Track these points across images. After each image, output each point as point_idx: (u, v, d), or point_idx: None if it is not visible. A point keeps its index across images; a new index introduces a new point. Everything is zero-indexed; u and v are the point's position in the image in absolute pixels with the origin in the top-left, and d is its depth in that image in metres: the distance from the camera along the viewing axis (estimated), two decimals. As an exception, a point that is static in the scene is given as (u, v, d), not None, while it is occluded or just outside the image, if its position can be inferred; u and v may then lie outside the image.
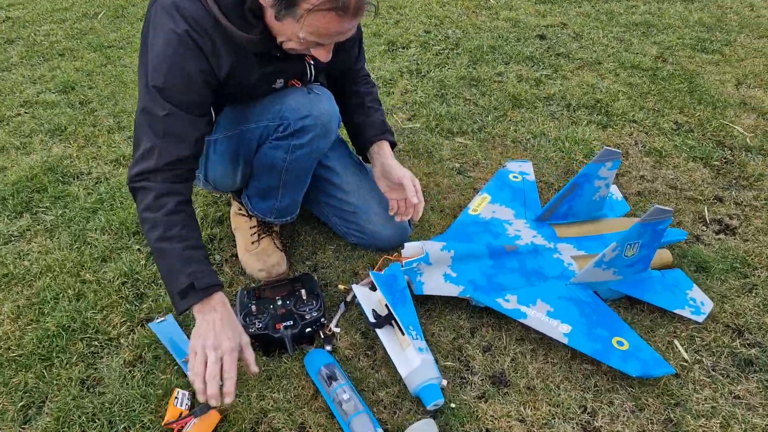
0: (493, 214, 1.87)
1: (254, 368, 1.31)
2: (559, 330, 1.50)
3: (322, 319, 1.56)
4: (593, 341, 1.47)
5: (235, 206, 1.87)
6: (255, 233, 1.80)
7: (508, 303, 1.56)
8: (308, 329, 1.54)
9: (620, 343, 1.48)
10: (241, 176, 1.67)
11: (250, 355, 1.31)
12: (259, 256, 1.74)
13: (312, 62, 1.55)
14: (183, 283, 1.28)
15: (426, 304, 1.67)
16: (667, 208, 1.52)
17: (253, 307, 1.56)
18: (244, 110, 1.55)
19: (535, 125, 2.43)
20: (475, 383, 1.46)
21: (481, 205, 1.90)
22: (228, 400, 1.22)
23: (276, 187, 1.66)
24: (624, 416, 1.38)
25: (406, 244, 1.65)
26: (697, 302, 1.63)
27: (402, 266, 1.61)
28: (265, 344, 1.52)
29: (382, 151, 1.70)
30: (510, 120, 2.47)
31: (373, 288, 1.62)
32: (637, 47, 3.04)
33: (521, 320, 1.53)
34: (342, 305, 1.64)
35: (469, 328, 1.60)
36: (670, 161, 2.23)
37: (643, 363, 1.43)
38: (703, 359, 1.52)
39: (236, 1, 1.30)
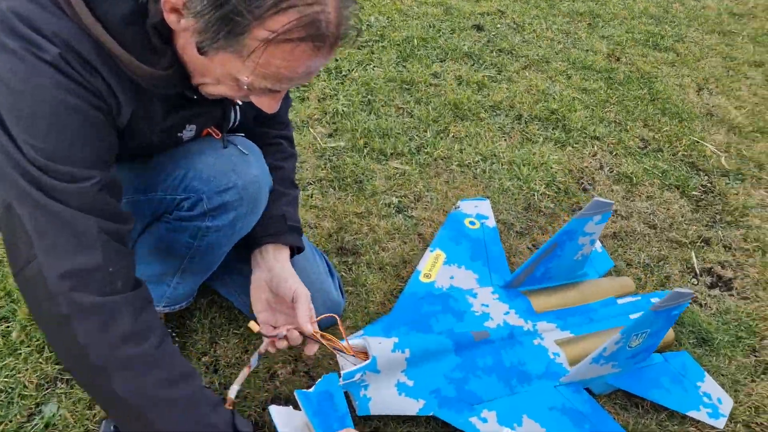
0: (452, 281, 1.44)
1: None
2: (555, 462, 1.11)
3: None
4: (596, 473, 1.10)
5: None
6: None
7: (486, 424, 1.15)
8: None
9: (634, 477, 1.11)
10: None
11: None
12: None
13: (239, 103, 1.06)
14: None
15: (371, 421, 1.24)
16: (687, 290, 1.16)
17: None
18: (131, 172, 1.04)
19: (484, 143, 2.03)
20: None
21: (434, 268, 1.47)
22: None
23: (171, 274, 1.16)
24: None
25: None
26: (713, 399, 1.29)
27: (339, 379, 1.15)
28: None
29: (278, 255, 1.17)
30: (453, 137, 2.05)
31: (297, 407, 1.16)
32: (586, 42, 2.69)
33: None
34: (254, 359, 1.12)
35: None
36: (643, 190, 1.90)
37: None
38: (729, 480, 1.19)
39: (129, 14, 0.80)
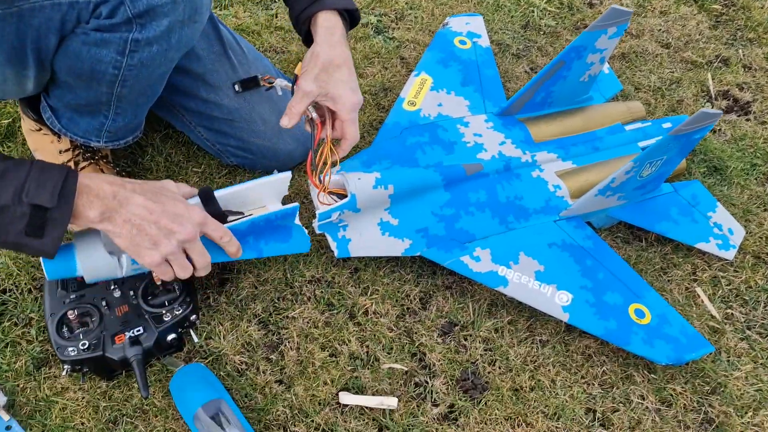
0: (440, 109, 1.26)
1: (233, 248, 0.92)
2: (555, 302, 1.01)
3: (193, 317, 0.98)
4: (604, 316, 1.01)
5: (28, 122, 1.14)
6: (70, 160, 1.11)
7: (479, 263, 1.04)
8: (171, 336, 0.95)
9: (640, 314, 1.02)
10: (34, 82, 0.94)
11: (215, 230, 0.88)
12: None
13: None
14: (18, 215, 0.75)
15: (350, 263, 1.12)
16: (714, 111, 0.99)
17: (73, 311, 0.94)
18: None
19: (476, -48, 1.74)
20: (437, 393, 0.98)
21: (420, 95, 1.28)
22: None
23: (105, 102, 0.96)
24: (648, 420, 0.97)
25: (310, 186, 1.04)
26: (724, 230, 1.18)
27: (315, 220, 1.01)
28: (100, 368, 0.94)
29: (325, 28, 0.98)
30: (441, -56, 1.75)
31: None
32: None
33: (500, 289, 1.02)
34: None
35: (418, 296, 1.09)
36: (657, 4, 1.66)
37: (674, 343, 0.99)
38: (735, 312, 1.11)
39: None
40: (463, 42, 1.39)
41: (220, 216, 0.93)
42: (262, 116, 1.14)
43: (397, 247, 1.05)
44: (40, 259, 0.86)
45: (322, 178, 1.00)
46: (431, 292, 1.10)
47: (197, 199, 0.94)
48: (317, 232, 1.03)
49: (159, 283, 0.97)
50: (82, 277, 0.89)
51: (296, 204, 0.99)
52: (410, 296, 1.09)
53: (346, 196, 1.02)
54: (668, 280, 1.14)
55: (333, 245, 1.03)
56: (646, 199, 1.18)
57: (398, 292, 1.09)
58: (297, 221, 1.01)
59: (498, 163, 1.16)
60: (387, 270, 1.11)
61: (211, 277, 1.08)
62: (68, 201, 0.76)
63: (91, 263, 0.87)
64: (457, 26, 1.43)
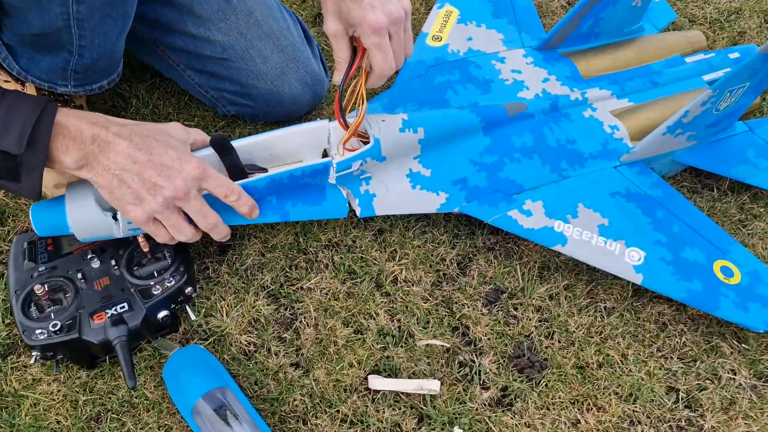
0: (470, 43, 1.08)
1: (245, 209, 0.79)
2: (626, 261, 0.84)
3: (188, 289, 0.81)
4: (685, 276, 0.83)
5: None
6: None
7: (531, 218, 0.86)
8: (162, 314, 0.79)
9: (727, 272, 0.85)
10: None
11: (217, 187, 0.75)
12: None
13: None
14: None
15: (373, 223, 0.95)
16: None
17: (42, 285, 0.77)
18: None
19: None
20: (487, 374, 0.81)
21: (446, 28, 1.10)
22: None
23: (63, 30, 0.78)
24: (743, 400, 0.80)
25: (331, 125, 0.87)
26: (811, 173, 1.00)
27: (332, 172, 0.84)
28: (78, 354, 0.77)
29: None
30: None
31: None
32: None
33: (557, 248, 0.85)
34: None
35: (456, 260, 0.91)
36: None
37: (769, 305, 0.82)
38: (830, 269, 0.94)
39: None
40: None
41: (240, 171, 0.79)
42: (261, 53, 0.96)
43: (431, 203, 0.87)
44: (30, 213, 0.76)
45: (349, 120, 0.83)
46: (471, 255, 0.92)
47: (211, 150, 0.78)
48: (333, 183, 0.85)
49: (146, 249, 0.80)
50: (56, 238, 0.75)
51: (329, 159, 0.82)
52: (446, 260, 0.91)
53: (368, 143, 0.85)
54: (749, 234, 0.97)
55: (354, 203, 0.86)
56: (718, 140, 1.00)
57: (432, 255, 0.91)
58: (332, 179, 0.84)
59: (543, 102, 0.98)
60: (417, 231, 0.94)
61: (208, 243, 0.91)
62: (40, 146, 0.66)
63: (82, 219, 0.75)
64: None
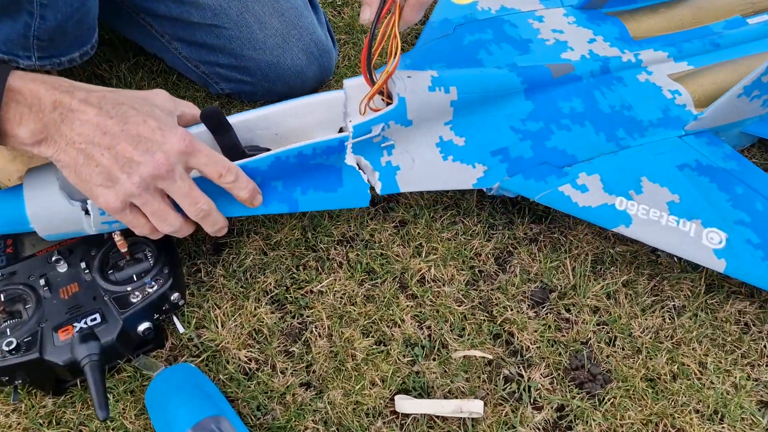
0: (502, 1, 0.94)
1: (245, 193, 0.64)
2: (704, 244, 0.69)
3: (174, 296, 0.67)
4: (775, 261, 0.69)
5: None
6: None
7: (587, 194, 0.72)
8: (143, 326, 0.65)
9: (825, 259, 0.70)
10: None
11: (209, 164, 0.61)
12: (15, 150, 0.76)
13: None
14: None
15: (395, 212, 0.80)
16: None
17: (-4, 295, 0.64)
18: None
19: None
20: (539, 390, 0.66)
21: None
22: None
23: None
24: None
25: (347, 83, 0.72)
26: None
27: (349, 138, 0.69)
28: (40, 378, 0.63)
29: None
30: None
31: None
32: None
33: (620, 229, 0.70)
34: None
35: (493, 254, 0.77)
36: None
37: None
38: None
39: None
40: None
41: (239, 153, 0.65)
42: (259, 18, 0.82)
43: (466, 177, 0.73)
44: None
45: (377, 73, 0.68)
46: (511, 248, 0.78)
47: (203, 127, 0.64)
48: (349, 155, 0.70)
49: (124, 249, 0.66)
50: (16, 237, 0.62)
51: (345, 134, 0.68)
52: (482, 255, 0.77)
53: (390, 104, 0.70)
54: (838, 216, 0.82)
55: (374, 177, 0.71)
56: None
57: (465, 249, 0.77)
58: (350, 160, 0.70)
59: (592, 64, 0.83)
60: (446, 221, 0.80)
61: (200, 240, 0.77)
62: None
63: (44, 211, 0.61)
64: None
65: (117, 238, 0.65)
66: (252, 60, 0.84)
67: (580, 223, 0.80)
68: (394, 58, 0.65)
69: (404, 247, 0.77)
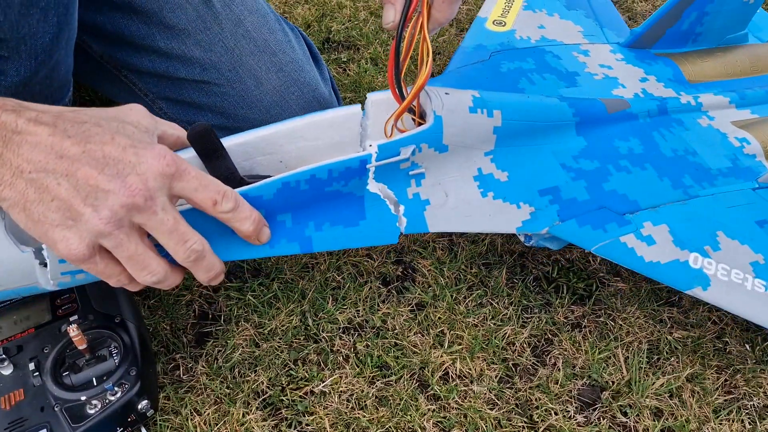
0: (542, 32, 0.85)
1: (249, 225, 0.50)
2: (797, 320, 0.57)
3: (143, 404, 0.54)
4: None
5: None
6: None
7: (654, 247, 0.60)
8: (102, 443, 0.52)
9: None
10: None
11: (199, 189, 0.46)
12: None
13: None
14: None
15: (411, 293, 0.69)
16: None
17: None
18: None
19: None
20: None
21: (510, 14, 0.87)
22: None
23: None
24: None
25: (370, 97, 0.60)
26: None
27: (372, 160, 0.56)
28: None
29: None
30: None
31: None
32: None
33: (696, 291, 0.58)
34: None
35: (529, 343, 0.65)
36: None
37: None
38: None
39: None
40: None
41: (235, 182, 0.53)
42: (254, 73, 0.73)
43: (509, 218, 0.61)
44: None
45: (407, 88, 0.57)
46: (549, 335, 0.66)
47: (192, 153, 0.53)
48: (372, 181, 0.58)
49: (83, 346, 0.54)
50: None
51: (368, 152, 0.56)
52: (516, 344, 0.65)
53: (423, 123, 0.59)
54: None
55: (399, 211, 0.59)
56: None
57: (495, 337, 0.65)
58: (373, 187, 0.58)
59: (649, 103, 0.73)
60: (471, 302, 0.68)
61: (180, 330, 0.65)
62: None
63: None
64: None
65: (73, 332, 0.53)
66: (246, 120, 0.74)
67: (631, 304, 0.68)
68: (426, 67, 0.54)
69: (423, 336, 0.65)
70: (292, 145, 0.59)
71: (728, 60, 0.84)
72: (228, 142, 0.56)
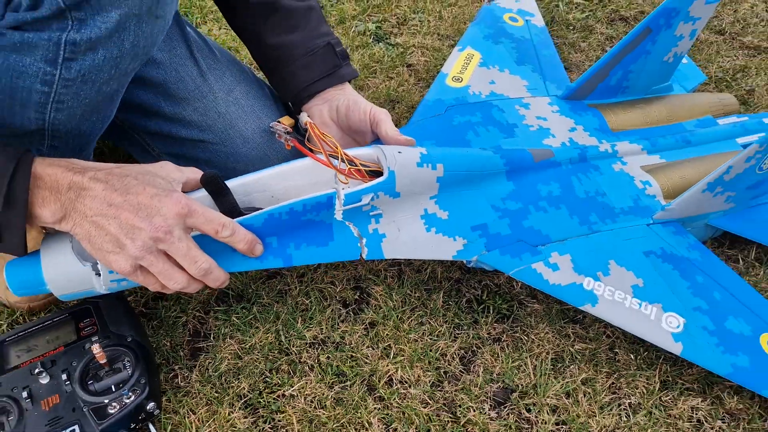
0: (492, 87, 1.01)
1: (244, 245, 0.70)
2: (663, 328, 0.74)
3: (150, 405, 0.70)
4: (729, 348, 0.74)
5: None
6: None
7: (558, 272, 0.77)
8: (119, 436, 0.68)
9: (774, 350, 0.74)
10: None
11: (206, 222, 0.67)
12: (4, 256, 0.81)
13: None
14: None
15: (377, 268, 0.85)
16: None
17: (-21, 408, 0.67)
18: None
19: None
20: (499, 493, 0.69)
21: (467, 70, 1.03)
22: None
23: (35, 133, 0.70)
24: None
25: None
26: None
27: (338, 205, 0.75)
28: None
29: (344, 91, 0.90)
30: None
31: None
32: None
33: (587, 308, 0.75)
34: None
35: (458, 354, 0.81)
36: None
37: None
38: None
39: None
40: (514, 19, 1.18)
41: (237, 214, 0.71)
42: (242, 134, 0.89)
43: (447, 248, 0.78)
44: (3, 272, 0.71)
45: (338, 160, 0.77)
46: (475, 348, 0.82)
47: (204, 192, 0.72)
48: (339, 220, 0.76)
49: (103, 361, 0.70)
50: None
51: (333, 190, 0.73)
52: (447, 355, 0.81)
53: (381, 175, 0.76)
54: (784, 310, 0.86)
55: (362, 242, 0.76)
56: (757, 205, 0.92)
57: (431, 350, 0.81)
58: (339, 216, 0.75)
59: (571, 152, 0.90)
60: (413, 321, 0.84)
61: (178, 346, 0.81)
62: (18, 203, 0.60)
63: (59, 273, 0.68)
64: (506, 2, 1.23)
65: (96, 350, 0.69)
66: (236, 172, 0.89)
67: (542, 322, 0.85)
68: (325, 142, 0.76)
69: (373, 349, 0.81)
70: (280, 184, 0.77)
71: (647, 111, 1.01)
72: (231, 183, 0.73)
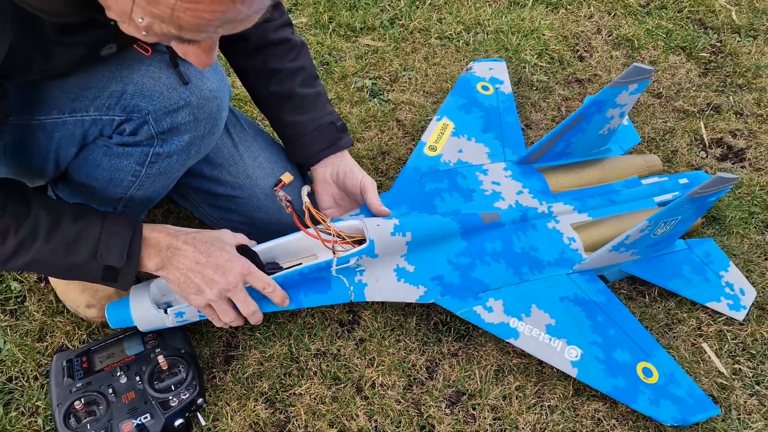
0: (460, 155, 1.27)
1: (278, 299, 0.99)
2: (565, 357, 1.02)
3: (200, 400, 0.98)
4: (612, 373, 1.01)
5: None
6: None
7: (491, 314, 1.04)
8: (178, 422, 0.95)
9: (648, 372, 1.02)
10: (47, 179, 1.03)
11: (258, 281, 0.96)
12: (85, 283, 1.08)
13: None
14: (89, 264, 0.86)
15: (362, 309, 1.12)
16: (731, 175, 1.02)
17: (80, 400, 0.94)
18: (48, 89, 0.86)
19: (466, 10, 1.78)
20: (448, 468, 0.97)
21: (441, 140, 1.29)
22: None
23: (115, 200, 1.01)
24: (662, 488, 0.96)
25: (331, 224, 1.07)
26: (735, 290, 1.18)
27: (334, 265, 1.02)
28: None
29: (343, 158, 1.16)
30: (430, 4, 1.80)
31: None
32: None
33: (510, 341, 1.03)
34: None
35: (425, 366, 1.08)
36: (646, 54, 1.70)
37: (680, 404, 0.99)
38: (742, 368, 1.11)
39: None
40: (485, 88, 1.42)
41: (262, 270, 0.99)
42: (264, 191, 1.15)
43: (411, 294, 1.05)
44: (105, 312, 0.99)
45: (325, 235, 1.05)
46: (438, 360, 1.09)
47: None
48: (335, 275, 1.03)
49: (165, 367, 0.97)
50: (90, 354, 1.03)
51: (330, 258, 1.01)
52: (416, 366, 1.08)
53: (364, 242, 1.03)
54: (674, 336, 1.14)
55: (350, 290, 1.04)
56: (659, 255, 1.18)
57: (404, 362, 1.08)
58: (334, 272, 1.03)
59: (515, 213, 1.17)
60: (393, 339, 1.11)
61: (215, 354, 1.08)
62: (134, 258, 0.88)
63: (142, 314, 0.97)
64: (480, 71, 1.46)
65: (161, 359, 0.97)
66: (258, 219, 1.16)
67: (489, 341, 1.12)
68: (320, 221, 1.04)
69: (361, 360, 1.08)
70: (295, 245, 1.05)
71: (582, 174, 1.27)
72: (257, 248, 1.01)
